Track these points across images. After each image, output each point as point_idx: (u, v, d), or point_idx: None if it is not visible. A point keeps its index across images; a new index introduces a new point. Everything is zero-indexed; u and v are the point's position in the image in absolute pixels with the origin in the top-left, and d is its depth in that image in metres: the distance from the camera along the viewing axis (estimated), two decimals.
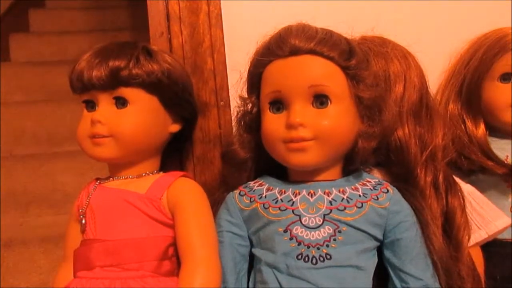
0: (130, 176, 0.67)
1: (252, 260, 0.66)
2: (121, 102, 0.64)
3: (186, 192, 0.64)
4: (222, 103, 0.85)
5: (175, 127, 0.70)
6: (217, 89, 0.85)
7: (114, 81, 0.63)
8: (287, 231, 0.60)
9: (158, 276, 0.61)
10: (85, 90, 0.65)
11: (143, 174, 0.67)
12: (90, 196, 0.66)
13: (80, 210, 0.66)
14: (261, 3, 0.88)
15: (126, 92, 0.64)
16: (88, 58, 0.64)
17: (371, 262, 0.62)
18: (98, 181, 0.68)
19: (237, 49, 0.82)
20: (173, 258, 0.64)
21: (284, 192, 0.63)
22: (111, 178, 0.68)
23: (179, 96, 0.69)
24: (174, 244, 0.64)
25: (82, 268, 0.63)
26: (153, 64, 0.65)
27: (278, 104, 0.62)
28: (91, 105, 0.66)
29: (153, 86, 0.65)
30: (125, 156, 0.65)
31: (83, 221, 0.65)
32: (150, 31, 0.86)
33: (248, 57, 0.68)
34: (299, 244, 0.59)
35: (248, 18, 0.87)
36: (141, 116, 0.65)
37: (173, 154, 0.78)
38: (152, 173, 0.68)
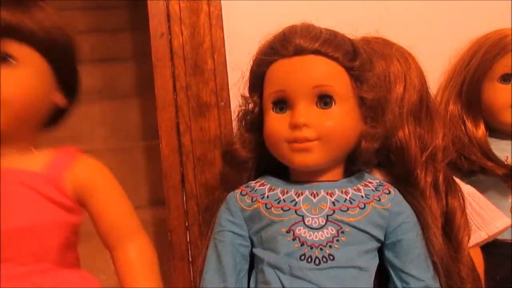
0: (13, 151, 0.56)
1: (252, 261, 0.66)
2: (6, 60, 0.53)
3: (93, 172, 0.58)
4: (222, 103, 0.85)
5: (60, 98, 0.60)
6: (217, 89, 0.85)
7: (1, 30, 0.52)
8: (290, 232, 0.60)
9: (61, 269, 0.55)
10: None
11: (25, 149, 0.57)
12: None
13: None
14: (261, 3, 0.88)
15: (15, 48, 0.53)
16: None
17: (373, 263, 0.61)
18: None
19: (238, 49, 0.82)
20: (76, 249, 0.59)
21: (287, 192, 0.63)
22: None
23: (66, 62, 0.60)
24: (76, 233, 0.58)
25: None
26: (48, 19, 0.56)
27: (282, 104, 0.62)
28: None
29: (46, 45, 0.56)
30: (10, 126, 0.54)
31: None
32: (151, 31, 0.86)
33: (248, 57, 0.68)
34: (302, 244, 0.59)
35: (248, 18, 0.88)
36: (31, 79, 0.55)
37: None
38: (33, 148, 0.58)
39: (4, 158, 0.55)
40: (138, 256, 0.57)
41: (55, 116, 0.62)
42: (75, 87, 0.63)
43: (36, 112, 0.57)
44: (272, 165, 0.67)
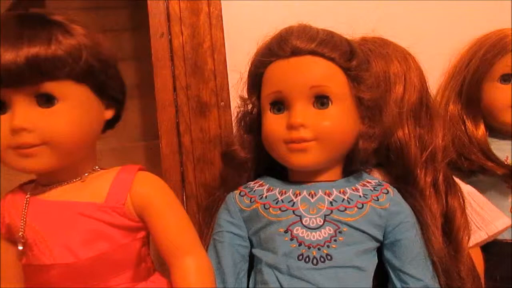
0: (73, 180, 0.57)
1: (252, 261, 0.66)
2: (46, 100, 0.52)
3: (151, 190, 0.58)
4: (222, 103, 0.85)
5: (109, 113, 0.60)
6: (217, 89, 0.85)
7: (34, 74, 0.50)
8: (287, 232, 0.60)
9: (137, 283, 0.58)
10: None
11: (85, 174, 0.58)
12: (24, 213, 0.55)
13: (20, 234, 0.55)
14: (261, 3, 0.88)
15: (52, 86, 0.52)
16: None
17: (371, 263, 0.62)
18: (28, 194, 0.57)
19: (238, 49, 0.82)
20: (148, 257, 0.61)
21: (285, 193, 0.63)
22: (45, 186, 0.57)
23: (110, 78, 0.58)
24: (146, 243, 0.60)
25: None
26: (75, 43, 0.52)
27: (279, 105, 0.62)
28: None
29: (83, 74, 0.53)
30: (64, 162, 0.55)
31: (21, 247, 0.55)
32: (151, 31, 0.86)
33: (248, 57, 0.68)
34: (299, 244, 0.59)
35: (248, 19, 0.87)
36: (75, 113, 0.53)
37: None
38: (94, 171, 0.59)
39: (64, 188, 0.57)
40: (195, 272, 0.57)
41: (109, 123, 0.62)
42: (121, 95, 0.62)
43: (88, 139, 0.57)
44: (271, 166, 0.67)
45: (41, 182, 0.58)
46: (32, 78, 0.50)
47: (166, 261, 0.59)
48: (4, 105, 0.52)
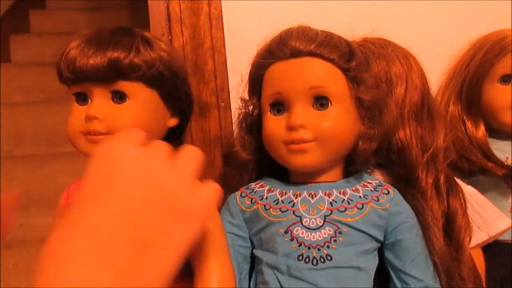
0: None
1: (253, 262, 0.66)
2: (119, 97, 0.60)
3: None
4: (222, 104, 0.85)
5: (173, 121, 0.67)
6: (217, 90, 0.85)
7: (112, 73, 0.59)
8: (288, 232, 0.60)
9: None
10: (76, 82, 0.60)
11: None
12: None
13: None
14: (262, 4, 0.88)
15: (125, 86, 0.60)
16: (81, 45, 0.60)
17: (372, 263, 0.61)
18: None
19: (238, 50, 0.82)
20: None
21: (285, 193, 0.63)
22: None
23: (178, 89, 0.66)
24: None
25: None
26: (153, 54, 0.61)
27: (279, 106, 0.62)
28: (82, 97, 0.62)
29: (154, 79, 0.62)
30: None
31: None
32: (151, 31, 0.86)
33: (249, 58, 0.68)
34: (299, 245, 0.59)
35: (248, 19, 0.87)
36: (140, 112, 0.61)
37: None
38: None
39: None
40: (217, 275, 0.57)
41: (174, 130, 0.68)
42: (187, 108, 0.69)
43: (149, 139, 0.61)
44: (272, 167, 0.67)
45: None
46: (109, 76, 0.59)
47: (192, 265, 0.59)
48: (86, 97, 0.61)
